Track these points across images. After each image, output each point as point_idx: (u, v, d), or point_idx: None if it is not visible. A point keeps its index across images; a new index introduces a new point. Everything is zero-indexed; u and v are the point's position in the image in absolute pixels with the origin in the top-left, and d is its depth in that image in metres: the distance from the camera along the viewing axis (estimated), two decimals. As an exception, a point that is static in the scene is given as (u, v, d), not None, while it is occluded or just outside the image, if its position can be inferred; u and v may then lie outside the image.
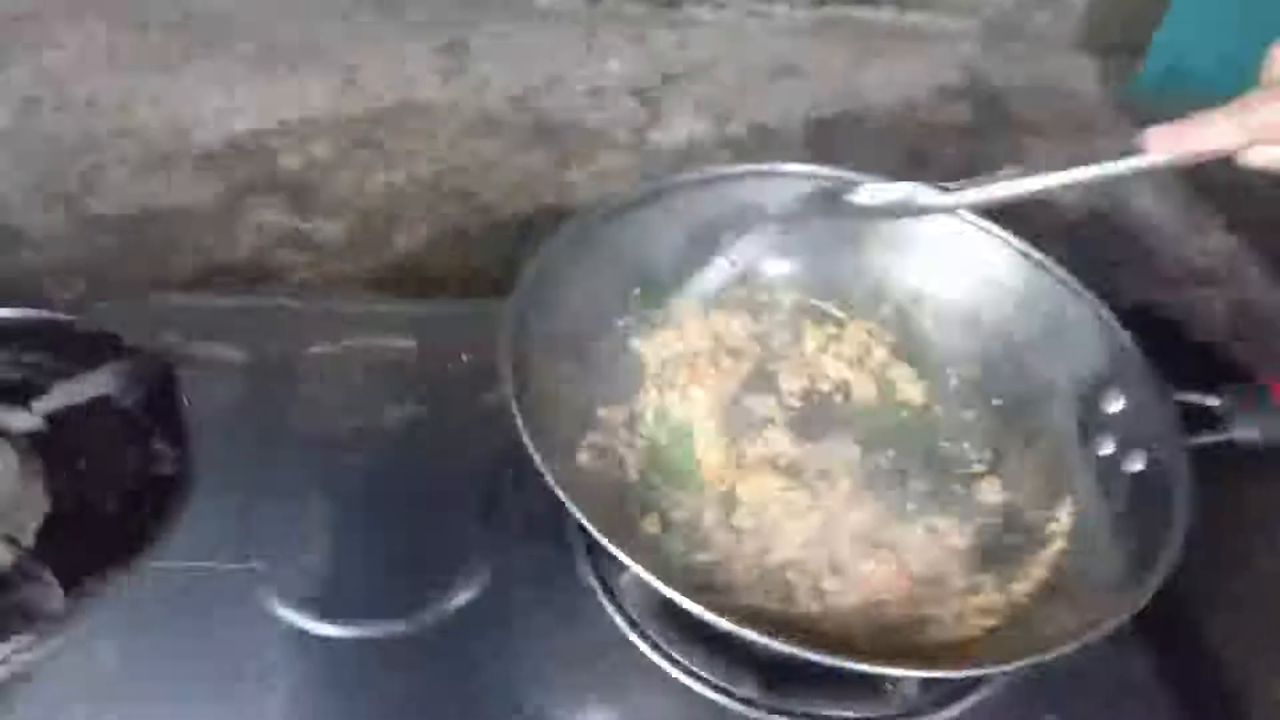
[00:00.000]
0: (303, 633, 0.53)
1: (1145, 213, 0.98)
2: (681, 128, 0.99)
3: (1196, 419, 0.55)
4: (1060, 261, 0.62)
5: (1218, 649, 0.65)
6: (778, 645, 0.47)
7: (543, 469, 0.48)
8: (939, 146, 0.99)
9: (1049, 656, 0.45)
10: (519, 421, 0.49)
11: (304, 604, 0.54)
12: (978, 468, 0.61)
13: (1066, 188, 0.52)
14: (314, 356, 0.66)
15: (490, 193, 0.89)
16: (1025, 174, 0.53)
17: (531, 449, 0.48)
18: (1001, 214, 0.63)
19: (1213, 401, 0.55)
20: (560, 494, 0.47)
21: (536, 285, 0.56)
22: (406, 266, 0.84)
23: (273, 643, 0.53)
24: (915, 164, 0.97)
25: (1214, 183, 0.98)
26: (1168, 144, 0.49)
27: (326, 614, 0.54)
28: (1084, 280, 0.61)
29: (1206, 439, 0.53)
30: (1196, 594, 0.68)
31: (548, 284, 0.57)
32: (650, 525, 0.56)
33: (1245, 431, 0.53)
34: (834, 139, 1.01)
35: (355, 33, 1.03)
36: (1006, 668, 0.46)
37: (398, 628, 0.53)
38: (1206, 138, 0.48)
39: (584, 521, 0.47)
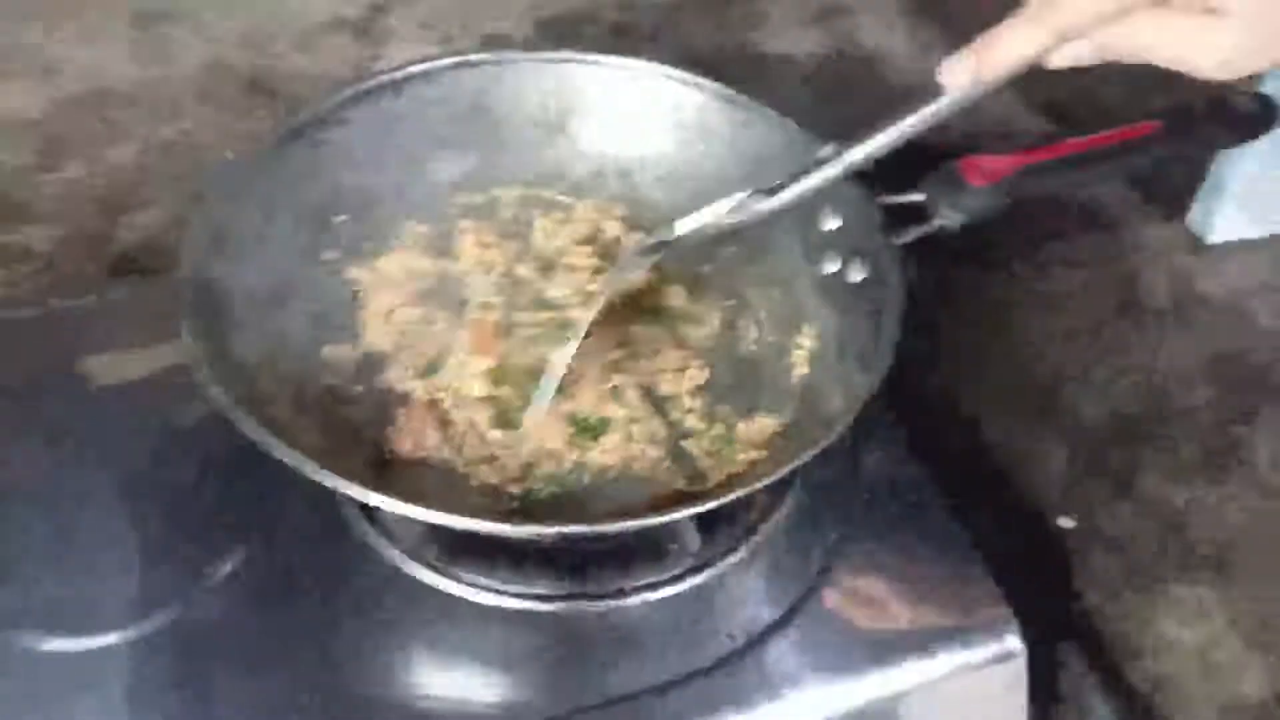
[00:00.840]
0: (62, 655, 0.50)
1: (875, 46, 1.01)
2: (406, 54, 0.95)
3: (907, 216, 0.56)
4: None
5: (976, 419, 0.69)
6: (537, 530, 0.47)
7: (245, 426, 0.45)
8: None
9: (797, 463, 0.46)
10: (210, 390, 0.46)
11: (43, 623, 0.50)
12: (721, 317, 0.61)
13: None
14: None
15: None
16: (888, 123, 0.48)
17: (230, 410, 0.45)
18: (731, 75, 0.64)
19: (917, 196, 0.56)
20: (274, 447, 0.45)
21: (212, 238, 0.52)
22: (136, 258, 0.79)
23: (40, 675, 0.49)
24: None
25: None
26: (972, 70, 0.44)
27: (74, 629, 0.50)
28: (824, 126, 0.60)
29: (914, 234, 0.54)
30: (957, 384, 0.73)
31: (227, 231, 0.53)
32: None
33: (947, 217, 0.54)
34: (564, 35, 0.99)
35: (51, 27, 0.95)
36: (766, 481, 0.47)
37: (153, 624, 0.50)
38: (1013, 51, 0.43)
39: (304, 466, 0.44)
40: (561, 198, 0.65)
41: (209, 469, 0.57)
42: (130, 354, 0.62)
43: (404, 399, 0.56)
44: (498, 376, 0.56)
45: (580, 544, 0.52)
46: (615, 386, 0.56)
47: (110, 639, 0.50)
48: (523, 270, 0.61)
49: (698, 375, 0.58)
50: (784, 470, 0.47)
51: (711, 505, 0.46)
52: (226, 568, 0.53)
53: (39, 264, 0.78)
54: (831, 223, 0.58)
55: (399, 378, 0.57)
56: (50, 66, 0.93)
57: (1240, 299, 0.82)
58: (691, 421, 0.56)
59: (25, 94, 0.91)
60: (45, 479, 0.56)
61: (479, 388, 0.55)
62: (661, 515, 0.47)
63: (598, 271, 0.60)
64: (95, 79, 0.92)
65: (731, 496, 0.46)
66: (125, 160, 0.86)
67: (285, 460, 0.45)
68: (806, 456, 0.47)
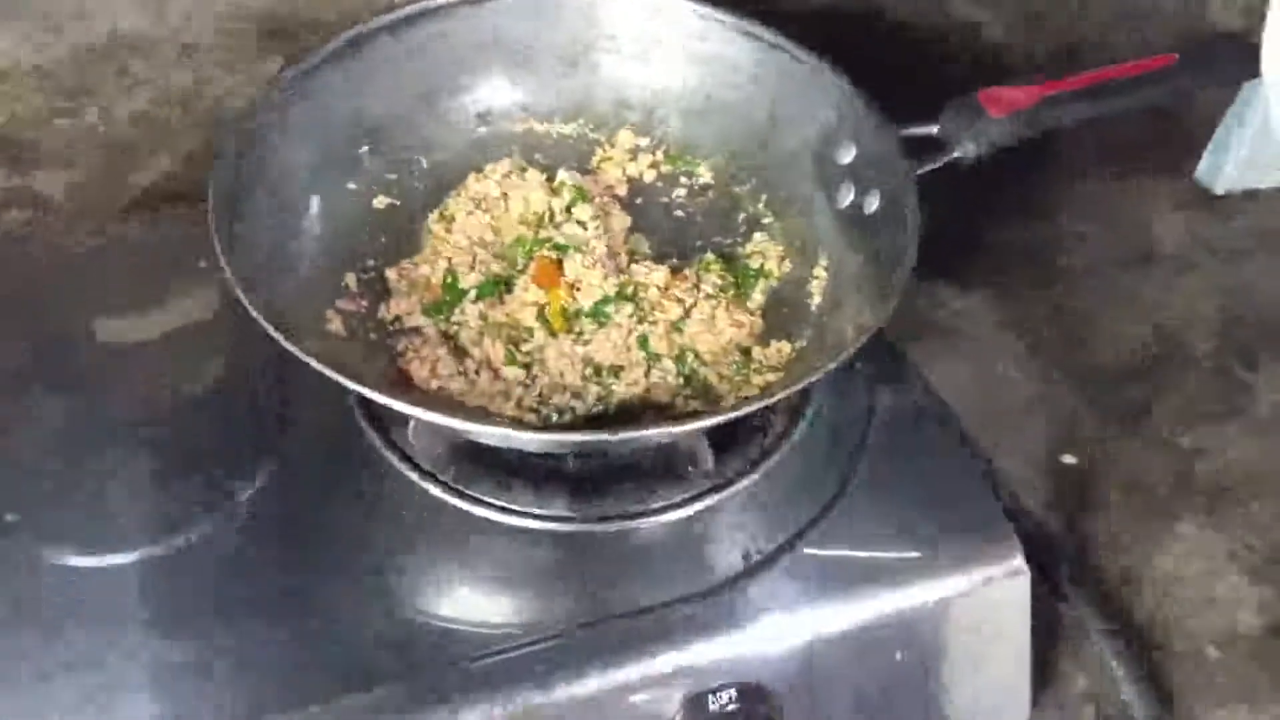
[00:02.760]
0: (84, 570, 0.51)
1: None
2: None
3: (924, 148, 0.57)
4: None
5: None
6: (557, 438, 0.47)
7: (281, 338, 0.46)
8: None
9: (803, 383, 0.48)
10: (245, 301, 0.47)
11: (78, 544, 0.51)
12: (741, 249, 0.61)
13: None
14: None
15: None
16: None
17: (264, 322, 0.46)
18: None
19: (934, 128, 0.56)
20: (306, 358, 0.46)
21: (240, 160, 0.53)
22: (149, 202, 0.79)
23: (54, 588, 0.50)
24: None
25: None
26: None
27: (105, 547, 0.51)
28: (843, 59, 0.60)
29: (930, 165, 0.55)
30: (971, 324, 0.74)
31: (252, 156, 0.54)
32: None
33: (965, 148, 0.55)
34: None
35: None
36: (769, 399, 0.48)
37: (177, 542, 0.51)
38: None
39: (343, 380, 0.45)
40: (591, 133, 0.65)
41: (233, 397, 0.58)
42: (147, 287, 0.63)
43: (416, 332, 0.57)
44: (543, 313, 0.57)
45: (597, 462, 0.53)
46: (637, 335, 0.56)
47: (134, 556, 0.51)
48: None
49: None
50: (791, 389, 0.48)
51: (721, 419, 0.48)
52: (249, 489, 0.54)
53: (52, 208, 0.78)
54: (848, 154, 0.58)
55: (408, 310, 0.57)
56: (61, 15, 0.93)
57: (1246, 248, 0.82)
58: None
59: (35, 43, 0.91)
60: (68, 407, 0.57)
61: (527, 316, 0.56)
62: (675, 426, 0.48)
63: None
64: (107, 28, 0.92)
65: (742, 412, 0.47)
66: (139, 108, 0.86)
67: (323, 371, 0.45)
68: (813, 377, 0.48)
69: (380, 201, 0.61)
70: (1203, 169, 0.87)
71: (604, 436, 0.48)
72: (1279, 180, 0.86)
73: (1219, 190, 0.86)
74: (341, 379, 0.45)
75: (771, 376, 0.55)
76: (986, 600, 0.53)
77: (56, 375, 0.59)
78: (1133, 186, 0.87)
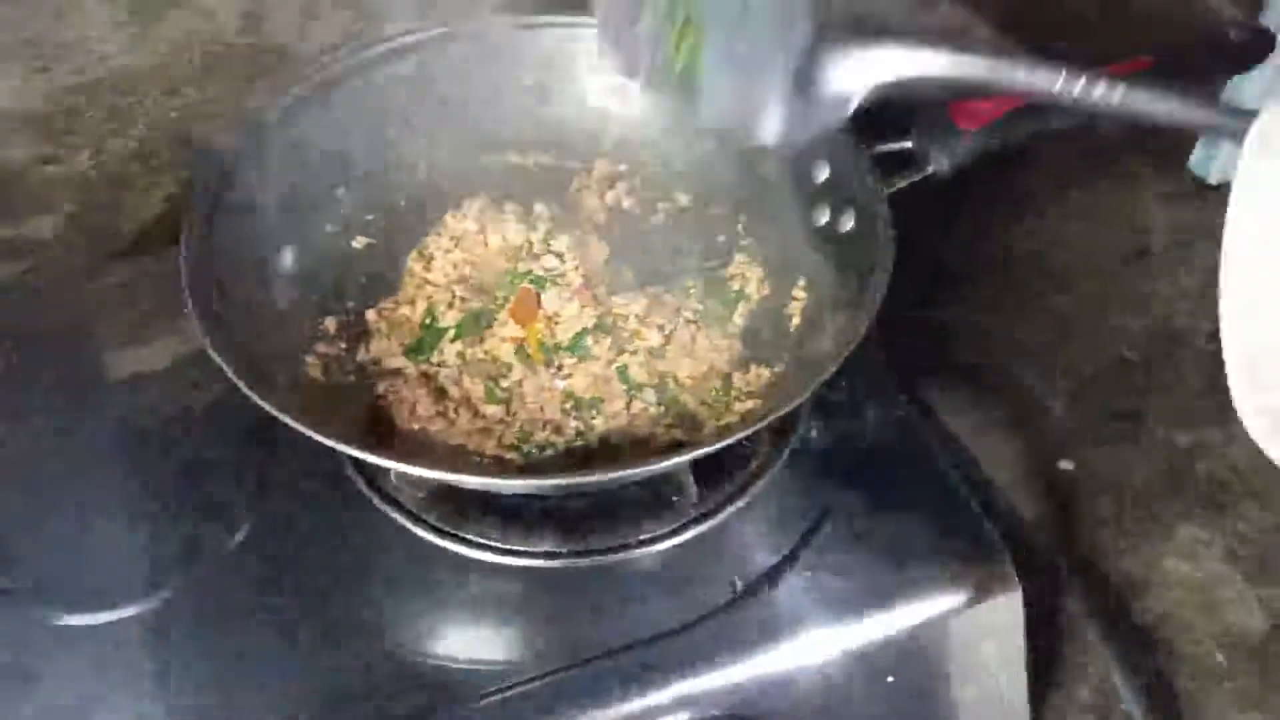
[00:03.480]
0: (78, 629, 0.51)
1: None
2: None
3: (897, 164, 0.56)
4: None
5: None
6: (537, 482, 0.47)
7: (252, 393, 0.46)
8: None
9: (794, 404, 0.47)
10: (218, 359, 0.47)
11: (70, 604, 0.52)
12: (721, 272, 0.61)
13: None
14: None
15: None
16: None
17: (235, 376, 0.47)
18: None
19: (908, 144, 0.56)
20: (278, 413, 0.46)
21: (213, 207, 0.53)
22: (141, 244, 0.80)
23: (52, 649, 0.50)
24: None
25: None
26: None
27: (89, 604, 0.51)
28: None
29: (903, 181, 0.55)
30: (961, 331, 0.74)
31: (229, 200, 0.54)
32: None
33: (939, 163, 0.55)
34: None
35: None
36: (753, 427, 0.48)
37: (166, 596, 0.52)
38: None
39: (316, 435, 0.46)
40: (568, 163, 0.65)
41: (216, 445, 0.58)
42: (135, 334, 0.63)
43: (396, 374, 0.57)
44: (522, 348, 0.56)
45: (583, 498, 0.53)
46: (617, 366, 0.56)
47: (124, 612, 0.52)
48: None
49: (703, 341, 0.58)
50: (774, 415, 0.47)
51: (705, 451, 0.47)
52: (235, 539, 0.54)
53: (45, 255, 0.79)
54: (822, 173, 0.58)
55: (388, 352, 0.57)
56: (48, 55, 0.94)
57: (1242, 239, 0.81)
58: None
59: (23, 85, 0.92)
60: (55, 460, 0.58)
61: (505, 352, 0.56)
62: (658, 461, 0.48)
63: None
64: (94, 67, 0.93)
65: (724, 443, 0.47)
66: (127, 148, 0.87)
67: (299, 430, 0.45)
68: (797, 401, 0.47)
69: (359, 242, 0.61)
70: (1196, 159, 0.86)
71: (585, 479, 0.48)
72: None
73: (1213, 180, 0.85)
74: (316, 435, 0.45)
75: (751, 404, 0.54)
76: (979, 619, 0.52)
77: (39, 424, 0.59)
78: (1126, 178, 0.86)
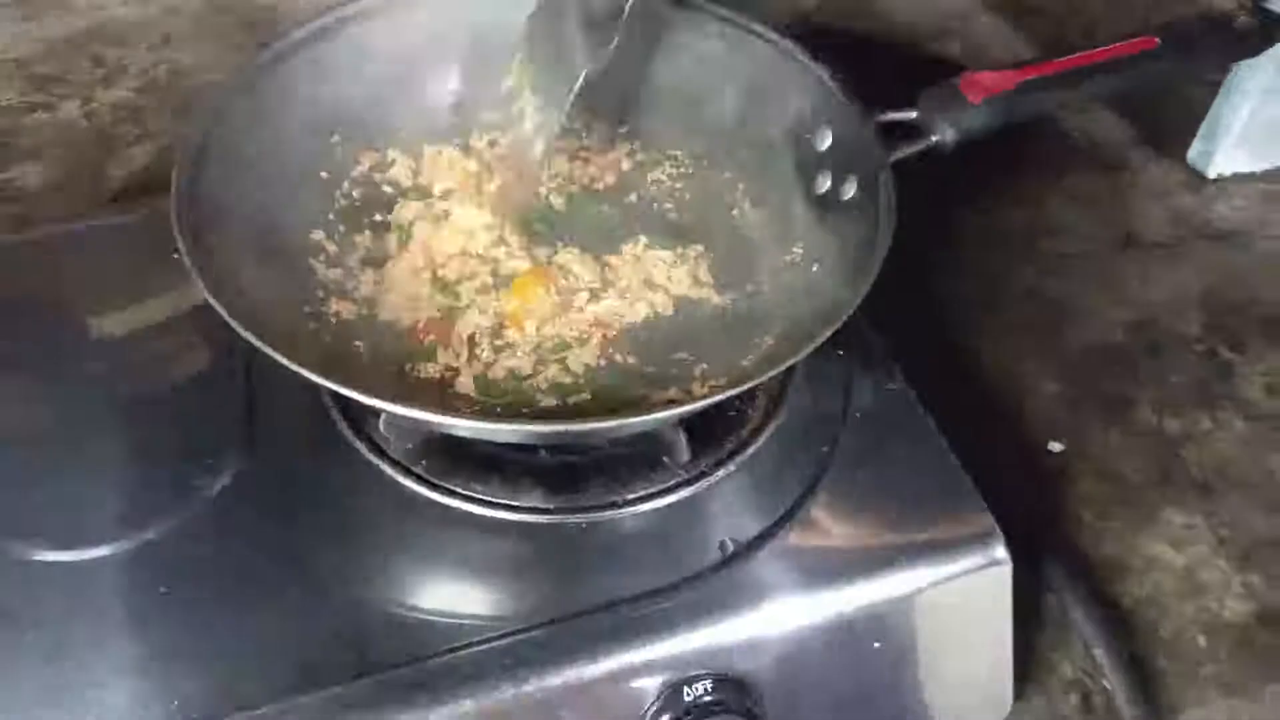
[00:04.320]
0: (57, 565, 0.50)
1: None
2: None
3: (902, 134, 0.56)
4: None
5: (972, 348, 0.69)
6: (529, 427, 0.47)
7: (251, 337, 0.45)
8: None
9: (784, 365, 0.47)
10: (211, 298, 0.46)
11: (38, 534, 0.51)
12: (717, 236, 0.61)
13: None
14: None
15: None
16: None
17: (231, 320, 0.46)
18: None
19: (912, 114, 0.56)
20: (271, 350, 0.45)
21: (206, 153, 0.52)
22: (129, 193, 0.79)
23: (30, 586, 0.50)
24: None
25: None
26: None
27: (67, 541, 0.51)
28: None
29: (907, 150, 0.54)
30: (955, 312, 0.74)
31: (223, 146, 0.53)
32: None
33: (944, 134, 0.54)
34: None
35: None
36: (742, 387, 0.47)
37: (146, 537, 0.51)
38: None
39: (309, 374, 0.45)
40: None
41: (203, 387, 0.57)
42: (124, 281, 0.63)
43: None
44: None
45: (574, 454, 0.53)
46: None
47: (103, 551, 0.51)
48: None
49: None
50: (764, 376, 0.47)
51: (694, 407, 0.47)
52: (219, 483, 0.53)
53: (33, 202, 0.78)
54: (825, 140, 0.58)
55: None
56: (38, 3, 0.92)
57: (1237, 232, 0.82)
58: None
59: (14, 34, 0.90)
60: (41, 405, 0.57)
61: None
62: (647, 413, 0.47)
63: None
64: (84, 18, 0.91)
65: (715, 399, 0.47)
66: (118, 98, 0.86)
67: (292, 368, 0.45)
68: (787, 363, 0.47)
69: (355, 192, 0.61)
70: (1194, 152, 0.86)
71: (572, 427, 0.48)
72: (1270, 163, 0.86)
73: (1211, 174, 0.85)
74: (312, 375, 0.45)
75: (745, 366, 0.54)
76: (967, 590, 0.52)
77: (25, 369, 0.58)
78: (1125, 170, 0.86)
